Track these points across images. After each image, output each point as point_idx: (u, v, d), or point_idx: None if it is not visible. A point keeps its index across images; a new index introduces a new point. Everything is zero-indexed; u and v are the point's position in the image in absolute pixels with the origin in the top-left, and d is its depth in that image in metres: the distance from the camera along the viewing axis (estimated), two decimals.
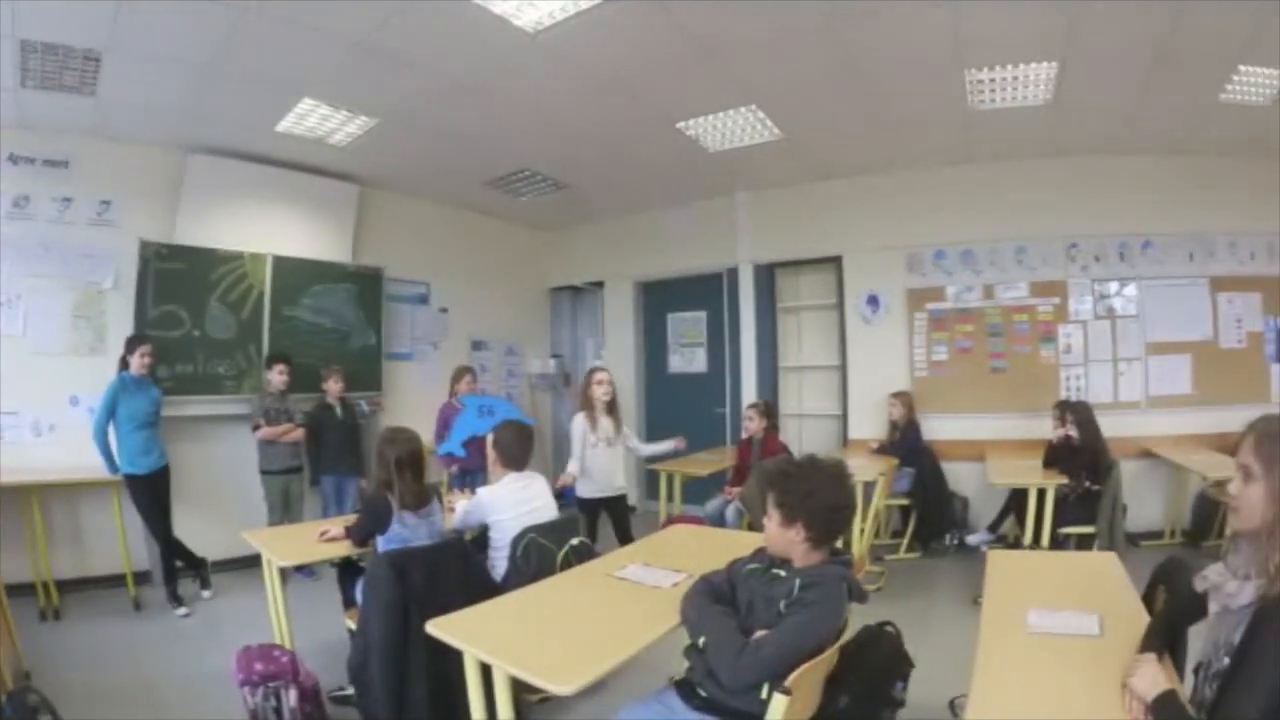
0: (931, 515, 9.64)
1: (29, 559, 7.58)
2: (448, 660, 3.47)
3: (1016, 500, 8.56)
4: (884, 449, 9.96)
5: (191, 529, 8.20)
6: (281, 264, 9.60)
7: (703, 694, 3.35)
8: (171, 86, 7.29)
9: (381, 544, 5.05)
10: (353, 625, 5.08)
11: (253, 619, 6.14)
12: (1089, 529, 7.92)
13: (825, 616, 3.18)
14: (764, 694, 2.98)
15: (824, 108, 8.45)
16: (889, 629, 3.81)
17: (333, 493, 8.95)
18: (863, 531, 8.08)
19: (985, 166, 10.35)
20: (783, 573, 3.37)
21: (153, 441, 7.74)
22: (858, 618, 3.54)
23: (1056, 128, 9.01)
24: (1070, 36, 6.73)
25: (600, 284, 13.96)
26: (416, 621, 3.89)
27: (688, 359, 12.96)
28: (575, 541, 5.19)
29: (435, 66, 7.09)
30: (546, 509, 5.60)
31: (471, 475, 8.47)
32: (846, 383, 11.32)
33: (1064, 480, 7.99)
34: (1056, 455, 8.59)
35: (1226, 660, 2.34)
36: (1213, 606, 2.55)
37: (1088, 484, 8.07)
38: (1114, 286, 10.18)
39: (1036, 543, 7.78)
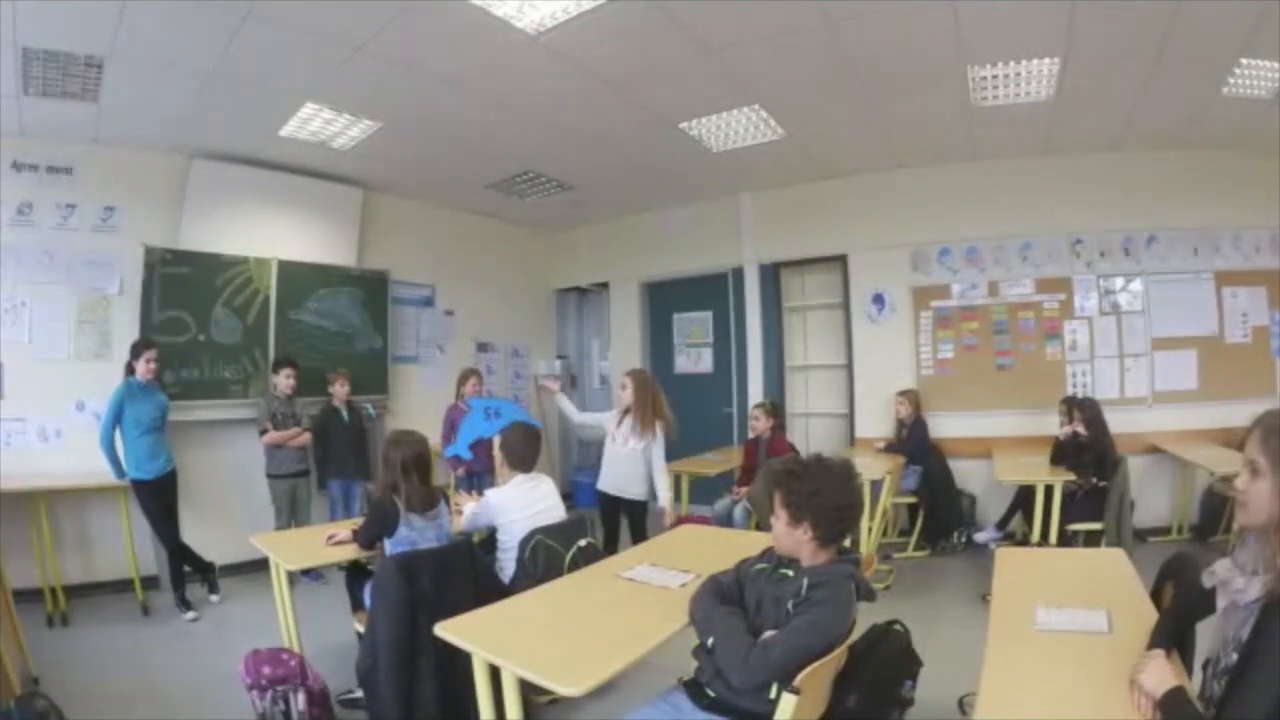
0: (939, 513, 9.65)
1: (36, 565, 7.59)
2: (456, 662, 3.49)
3: (1024, 497, 8.59)
4: (891, 447, 9.96)
5: (199, 533, 8.21)
6: (286, 268, 9.60)
7: (711, 694, 3.34)
8: (174, 92, 7.29)
9: (389, 547, 5.06)
10: (361, 628, 5.07)
11: (261, 623, 6.13)
12: (1097, 525, 7.95)
13: (833, 616, 3.17)
14: (773, 694, 2.99)
15: (826, 106, 8.45)
16: (897, 627, 3.81)
17: (340, 496, 8.96)
18: (870, 530, 8.11)
19: (988, 163, 10.35)
20: (790, 572, 3.37)
21: (159, 447, 7.74)
22: (866, 616, 3.53)
23: (1059, 124, 9.00)
24: (1071, 32, 6.72)
25: (605, 285, 13.96)
26: (425, 624, 3.89)
27: (694, 359, 12.95)
28: (583, 543, 5.18)
29: (437, 69, 7.09)
30: (554, 510, 5.58)
31: (479, 477, 8.50)
32: (853, 382, 11.32)
33: (1071, 477, 8.00)
34: (1064, 452, 8.57)
35: (1235, 656, 2.34)
36: (1221, 602, 2.54)
37: (1095, 480, 8.09)
38: (1119, 282, 10.18)
39: (1044, 540, 7.80)
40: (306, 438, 8.85)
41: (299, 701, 4.78)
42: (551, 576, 4.56)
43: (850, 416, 11.40)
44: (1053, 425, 9.19)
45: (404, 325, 11.41)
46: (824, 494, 3.31)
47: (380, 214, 10.95)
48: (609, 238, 13.64)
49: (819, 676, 3.06)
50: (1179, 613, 3.00)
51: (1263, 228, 9.87)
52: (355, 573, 5.67)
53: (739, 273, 12.11)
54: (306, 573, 7.74)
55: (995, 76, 7.73)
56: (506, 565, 5.26)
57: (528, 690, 3.21)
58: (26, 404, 8.06)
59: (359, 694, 5.01)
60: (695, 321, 12.97)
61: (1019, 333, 10.46)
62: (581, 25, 6.23)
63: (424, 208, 11.71)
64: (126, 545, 7.95)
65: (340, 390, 9.19)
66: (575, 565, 4.93)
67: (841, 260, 11.42)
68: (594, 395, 14.84)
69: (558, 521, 5.40)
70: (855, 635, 3.42)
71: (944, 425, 10.34)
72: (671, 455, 9.00)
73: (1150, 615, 3.22)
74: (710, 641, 3.26)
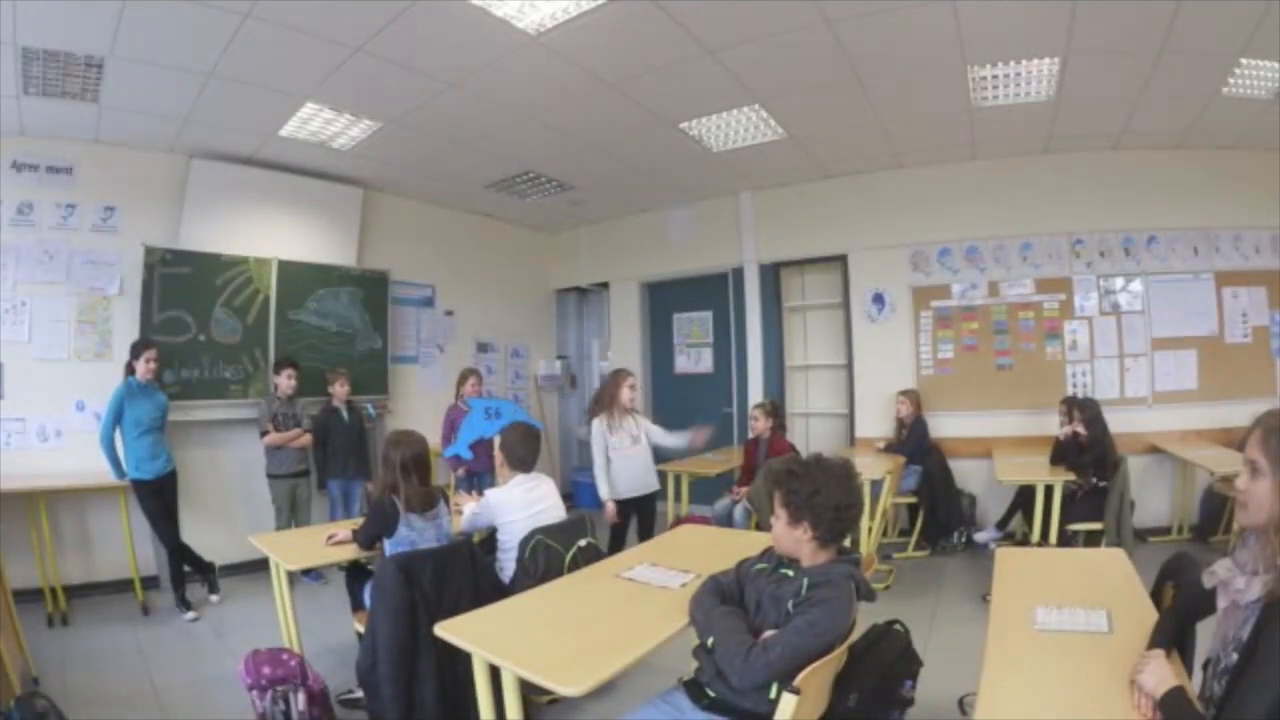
0: (939, 513, 9.65)
1: (36, 565, 7.59)
2: (456, 662, 3.49)
3: (1024, 497, 8.61)
4: (891, 447, 9.98)
5: (199, 533, 8.22)
6: (286, 268, 9.60)
7: (711, 694, 3.34)
8: (174, 92, 7.29)
9: (389, 547, 5.07)
10: (361, 628, 5.07)
11: (261, 623, 6.16)
12: (1097, 525, 7.95)
13: (834, 615, 3.16)
14: (773, 694, 3.00)
15: (827, 106, 8.45)
16: (897, 627, 3.81)
17: (340, 496, 8.96)
18: (870, 530, 8.12)
19: (988, 163, 10.37)
20: (790, 572, 3.38)
21: (159, 446, 7.74)
22: (866, 616, 3.54)
23: (1059, 124, 9.01)
24: (1071, 32, 6.73)
25: (605, 285, 13.96)
26: (425, 624, 3.89)
27: (694, 359, 12.95)
28: (583, 543, 5.19)
29: (438, 70, 7.09)
30: (555, 510, 5.59)
31: (479, 477, 8.50)
32: (853, 381, 11.32)
33: (1071, 477, 8.02)
34: (1064, 452, 8.57)
35: (1235, 656, 2.34)
36: (1221, 602, 2.54)
37: (1095, 480, 8.11)
38: (1119, 282, 10.19)
39: (1044, 540, 7.81)
40: (307, 439, 8.85)
41: (299, 701, 4.78)
42: (551, 576, 4.57)
43: (850, 416, 11.40)
44: (1053, 425, 9.19)
45: (404, 325, 11.41)
46: (823, 494, 3.30)
47: (380, 214, 10.95)
48: (609, 238, 13.63)
49: (819, 676, 3.06)
50: (1179, 613, 3.01)
51: (1263, 228, 9.87)
52: (355, 573, 5.67)
53: (739, 272, 12.10)
54: (307, 573, 7.75)
55: (995, 77, 7.73)
56: (506, 565, 5.26)
57: (528, 690, 3.22)
58: (27, 404, 8.05)
59: (359, 694, 5.02)
60: (695, 321, 12.97)
61: (1019, 333, 10.46)
62: (582, 25, 6.24)
63: (424, 208, 11.71)
64: (126, 545, 7.96)
65: (340, 390, 9.18)
66: (575, 565, 4.94)
67: (841, 260, 11.42)
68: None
69: (558, 521, 5.40)
70: (855, 635, 3.42)
71: (944, 425, 10.35)
72: (672, 456, 9.02)
73: (1150, 615, 3.23)
74: (710, 641, 3.26)
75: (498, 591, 4.55)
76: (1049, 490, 7.91)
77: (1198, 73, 7.64)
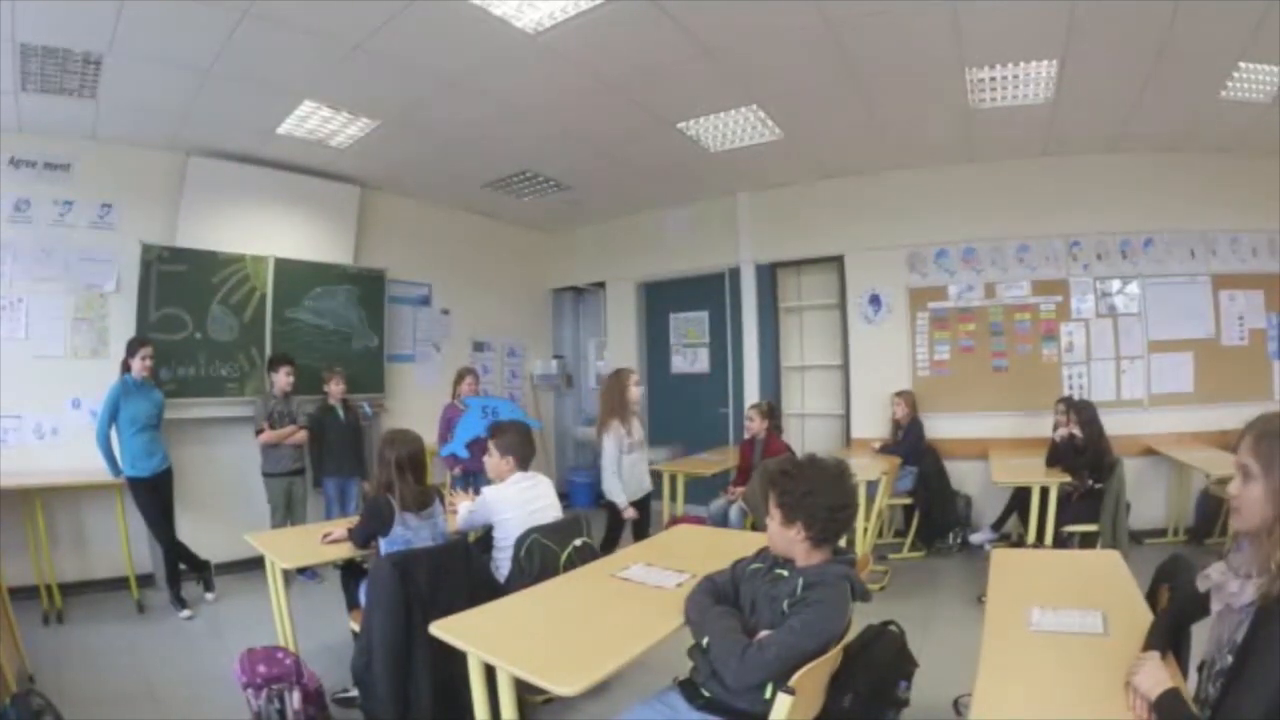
0: (935, 514, 9.67)
1: (32, 562, 7.59)
2: (452, 661, 3.48)
3: (1020, 499, 8.63)
4: (887, 448, 9.97)
5: (194, 531, 8.22)
6: (283, 266, 9.60)
7: (706, 694, 3.35)
8: (172, 89, 7.29)
9: (384, 546, 5.07)
10: (356, 627, 5.07)
11: (256, 621, 6.15)
12: (1092, 527, 7.95)
13: (829, 616, 3.18)
14: (768, 694, 2.99)
15: (825, 107, 8.45)
16: (893, 628, 3.81)
17: (335, 495, 8.96)
18: (866, 531, 8.13)
19: (986, 165, 10.38)
20: (785, 572, 3.38)
21: (155, 444, 7.75)
22: (861, 617, 3.54)
23: (1057, 126, 9.02)
24: (1070, 34, 6.73)
25: (602, 285, 13.96)
26: (420, 623, 3.89)
27: (690, 359, 12.96)
28: (579, 542, 5.17)
29: (436, 68, 7.09)
30: (551, 509, 5.59)
31: (475, 476, 8.48)
32: (849, 382, 11.33)
33: (1067, 479, 8.01)
34: (1059, 454, 8.60)
35: (1230, 659, 2.35)
36: (1215, 605, 2.56)
37: (1091, 483, 8.11)
38: (1116, 285, 10.22)
39: (1040, 541, 7.80)
40: (303, 435, 8.85)
41: (294, 700, 4.79)
42: (547, 576, 4.56)
43: (846, 417, 11.41)
44: (1048, 427, 9.24)
45: (400, 324, 11.42)
46: (817, 494, 3.32)
47: (377, 212, 10.95)
48: (606, 238, 13.65)
49: (814, 677, 3.07)
50: (1174, 615, 3.02)
51: (1260, 231, 9.91)
52: (350, 572, 5.67)
53: (735, 273, 12.11)
54: (302, 571, 7.75)
55: (993, 79, 7.74)
56: (502, 564, 5.26)
57: (523, 690, 3.23)
58: (23, 401, 8.04)
59: (354, 693, 5.02)
60: (691, 322, 12.99)
61: (1015, 334, 10.49)
62: (580, 25, 6.23)
63: (421, 206, 11.71)
64: (122, 543, 7.97)
65: (336, 389, 9.19)
66: (571, 565, 4.93)
67: (838, 261, 11.42)
68: (590, 396, 14.78)
69: (554, 521, 5.40)
70: (850, 635, 3.43)
71: (940, 426, 10.37)
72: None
73: (1145, 617, 3.25)
74: (705, 641, 3.27)
75: (493, 590, 4.55)
76: (1044, 492, 7.88)
77: (1196, 76, 7.66)
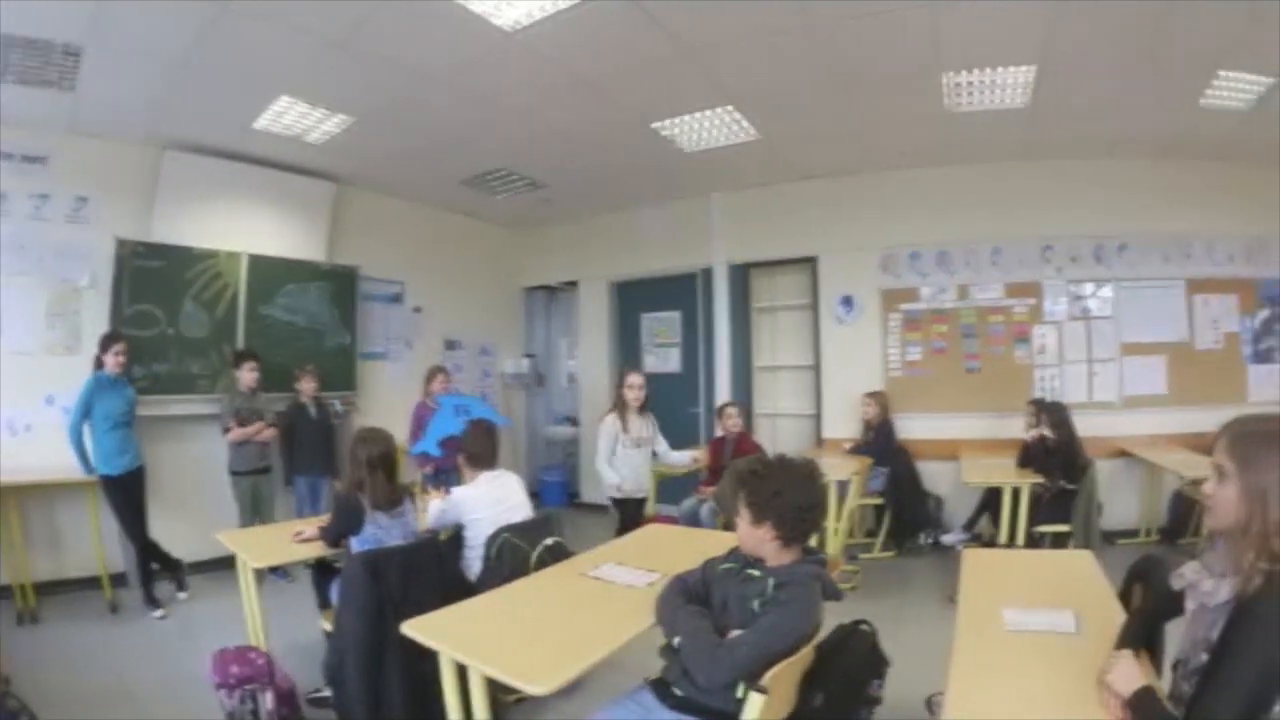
0: (906, 514, 9.72)
1: (6, 561, 7.54)
2: (424, 661, 3.46)
3: (991, 499, 8.69)
4: (858, 449, 10.00)
5: (167, 530, 8.16)
6: (256, 262, 9.54)
7: (678, 693, 3.36)
8: (150, 82, 7.25)
9: (355, 544, 5.07)
10: (328, 626, 5.08)
11: (229, 621, 6.09)
12: (1064, 527, 8.06)
13: (800, 615, 3.21)
14: (740, 693, 3.01)
15: (801, 109, 8.48)
16: (864, 627, 3.83)
17: (307, 493, 8.93)
18: (836, 531, 8.18)
19: (961, 168, 10.44)
20: (756, 572, 3.40)
21: (128, 441, 7.69)
22: (833, 616, 3.55)
23: (1034, 131, 9.08)
24: (1049, 40, 6.80)
25: (574, 284, 13.95)
26: (392, 622, 3.86)
27: (662, 359, 12.93)
28: (549, 541, 5.16)
29: (413, 65, 7.07)
30: (522, 508, 5.61)
31: (447, 475, 8.44)
32: (820, 383, 11.38)
33: (1039, 479, 8.07)
34: (1031, 454, 8.67)
35: (1204, 657, 2.39)
36: (1190, 604, 2.60)
37: (1063, 483, 8.18)
38: (1089, 288, 10.32)
39: (1012, 541, 7.87)
40: (271, 432, 8.79)
41: (267, 700, 4.77)
42: (517, 575, 4.55)
43: (817, 417, 11.46)
44: (1020, 428, 9.29)
45: (373, 321, 11.36)
46: (786, 494, 3.34)
47: (352, 209, 10.90)
48: (579, 237, 13.63)
49: (786, 676, 3.08)
50: (1147, 614, 3.06)
51: (1236, 236, 10.07)
52: (322, 571, 5.66)
53: (708, 273, 12.13)
54: (274, 571, 7.72)
55: (970, 83, 7.79)
56: (473, 563, 5.28)
57: (495, 689, 3.23)
58: None
59: (328, 693, 5.00)
60: (663, 321, 12.95)
61: (988, 336, 10.57)
62: (559, 23, 6.23)
63: (395, 204, 11.66)
64: (95, 542, 7.92)
65: (308, 386, 9.15)
66: (542, 564, 4.92)
67: (811, 262, 11.48)
68: (561, 395, 14.90)
69: (525, 520, 5.42)
70: (822, 635, 3.45)
71: (911, 427, 10.43)
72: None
73: (1118, 616, 3.27)
74: (677, 641, 3.28)
75: (464, 590, 4.54)
76: (1016, 492, 7.96)
77: (1176, 84, 7.75)
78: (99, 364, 7.54)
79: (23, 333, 8.13)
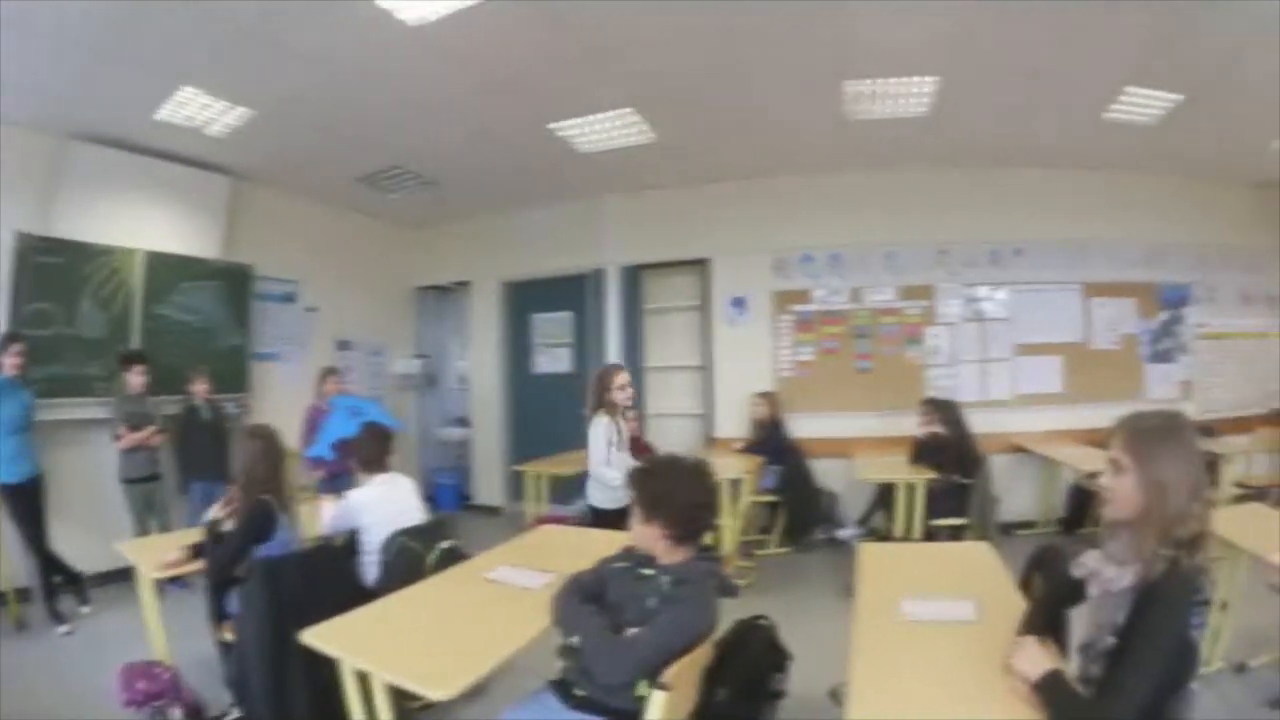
0: (800, 511, 9.78)
1: None
2: (328, 669, 3.41)
3: (885, 494, 8.87)
4: (749, 448, 10.08)
5: (67, 541, 7.87)
6: (153, 260, 9.24)
7: (580, 693, 3.38)
8: (53, 66, 6.99)
9: (263, 550, 4.94)
10: (225, 638, 4.98)
11: (134, 635, 5.97)
12: (961, 520, 8.22)
13: (696, 612, 3.27)
14: (641, 691, 3.04)
15: (701, 112, 8.56)
16: (763, 622, 3.87)
17: (202, 500, 8.47)
18: (731, 528, 8.24)
19: (859, 174, 10.65)
20: (651, 571, 3.45)
21: (25, 448, 7.43)
22: (731, 613, 3.58)
23: (933, 139, 9.28)
24: (955, 52, 6.99)
25: (466, 284, 13.81)
26: (293, 631, 3.79)
27: (553, 359, 12.89)
28: (445, 545, 5.15)
29: (317, 57, 6.96)
30: (416, 512, 5.59)
31: (341, 479, 8.33)
32: (711, 383, 11.48)
33: (933, 475, 8.24)
34: (924, 451, 8.85)
35: (1111, 640, 2.53)
36: (1093, 590, 2.75)
37: (957, 478, 8.36)
38: (984, 291, 10.66)
39: (908, 535, 8.03)
40: (160, 436, 8.52)
41: (176, 716, 4.71)
42: (414, 579, 4.52)
43: (709, 417, 11.57)
44: (912, 426, 9.41)
45: (266, 322, 11.08)
46: (676, 492, 3.42)
47: (247, 206, 10.60)
48: (472, 236, 13.48)
49: (686, 672, 3.13)
50: (1049, 601, 3.19)
51: (1135, 242, 10.64)
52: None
53: (600, 274, 12.11)
54: (173, 581, 7.56)
55: (872, 91, 7.92)
56: (369, 568, 5.21)
57: (399, 696, 3.23)
58: None
59: (237, 714, 4.88)
60: (555, 322, 12.89)
61: (880, 337, 10.82)
62: (465, 21, 6.20)
63: (291, 200, 11.42)
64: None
65: (200, 388, 8.90)
66: (438, 567, 4.88)
67: (703, 264, 11.56)
68: (452, 396, 14.74)
69: (420, 523, 5.40)
70: (721, 631, 3.51)
71: (804, 426, 10.53)
72: (529, 455, 8.98)
73: (1018, 604, 3.40)
74: (575, 641, 3.31)
75: (362, 595, 4.47)
76: (910, 488, 8.13)
77: (1081, 97, 8.04)
78: None
79: None
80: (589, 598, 3.50)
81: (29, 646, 6.97)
